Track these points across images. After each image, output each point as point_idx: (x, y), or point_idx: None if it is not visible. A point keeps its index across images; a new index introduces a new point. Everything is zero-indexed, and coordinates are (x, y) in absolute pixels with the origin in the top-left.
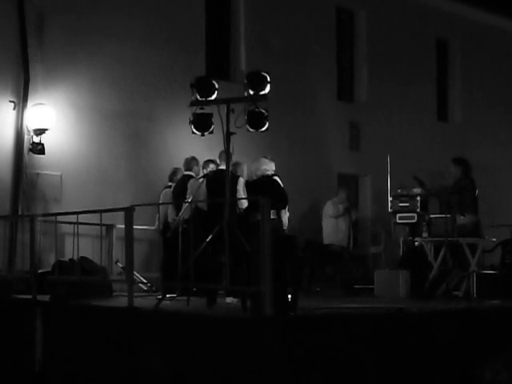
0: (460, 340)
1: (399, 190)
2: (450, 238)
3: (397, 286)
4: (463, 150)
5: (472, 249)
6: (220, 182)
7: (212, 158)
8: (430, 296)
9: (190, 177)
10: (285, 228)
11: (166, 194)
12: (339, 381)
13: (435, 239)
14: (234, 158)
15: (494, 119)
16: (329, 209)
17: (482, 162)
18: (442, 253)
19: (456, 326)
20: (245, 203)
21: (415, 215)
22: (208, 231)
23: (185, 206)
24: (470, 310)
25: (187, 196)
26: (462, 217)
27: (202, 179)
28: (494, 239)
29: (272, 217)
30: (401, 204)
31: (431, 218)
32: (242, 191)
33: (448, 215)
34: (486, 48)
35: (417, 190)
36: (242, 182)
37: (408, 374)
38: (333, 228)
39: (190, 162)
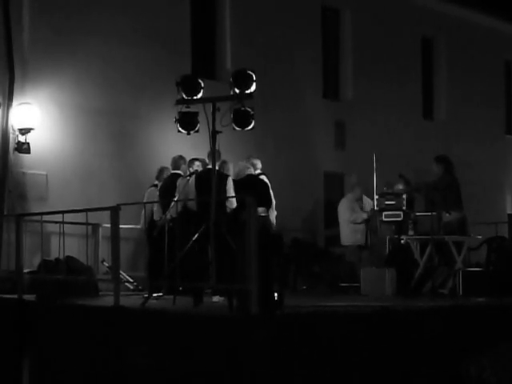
0: (446, 337)
1: (385, 188)
2: (435, 236)
3: (383, 283)
4: (448, 148)
5: (458, 246)
6: (209, 181)
7: (198, 156)
8: (416, 294)
9: (178, 175)
10: (273, 225)
11: (151, 193)
12: (325, 379)
13: (421, 237)
14: (221, 157)
15: (479, 117)
16: (345, 212)
17: (467, 160)
18: (427, 251)
19: (442, 323)
20: (234, 202)
21: (401, 213)
22: (196, 230)
23: (172, 204)
24: (456, 308)
25: (176, 194)
26: (447, 214)
27: (188, 178)
28: (480, 236)
29: (263, 214)
30: (387, 202)
31: (417, 215)
32: (231, 190)
33: (433, 213)
34: (471, 46)
35: (398, 187)
36: (230, 181)
37: (394, 371)
38: (351, 229)
39: (178, 161)
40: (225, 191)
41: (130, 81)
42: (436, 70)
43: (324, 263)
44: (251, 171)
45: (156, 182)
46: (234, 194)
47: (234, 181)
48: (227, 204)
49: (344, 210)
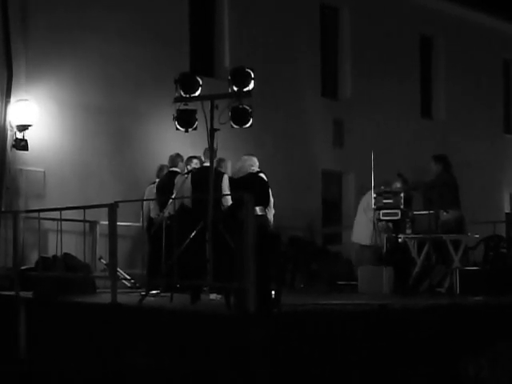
0: (443, 336)
1: (383, 187)
2: (433, 235)
3: (380, 282)
4: (447, 147)
5: (455, 245)
6: (204, 179)
7: (196, 154)
8: (413, 292)
9: (176, 173)
10: (271, 224)
11: (151, 190)
12: (324, 377)
13: (419, 235)
14: (218, 155)
15: (478, 116)
16: (370, 209)
17: (465, 159)
18: (425, 249)
19: (439, 322)
20: (229, 200)
21: (399, 212)
22: (192, 228)
23: (169, 201)
24: (453, 306)
25: (174, 192)
26: (445, 213)
27: (186, 175)
28: (477, 235)
29: (260, 213)
30: (384, 201)
31: (415, 214)
32: (226, 188)
33: (431, 211)
34: (470, 45)
35: (396, 185)
36: (226, 178)
37: (392, 369)
38: (371, 229)
39: (175, 159)
40: (220, 189)
41: (129, 78)
42: (435, 69)
43: (322, 261)
44: (253, 169)
45: (156, 180)
46: (229, 192)
47: (233, 178)
48: (222, 202)
49: (366, 205)
